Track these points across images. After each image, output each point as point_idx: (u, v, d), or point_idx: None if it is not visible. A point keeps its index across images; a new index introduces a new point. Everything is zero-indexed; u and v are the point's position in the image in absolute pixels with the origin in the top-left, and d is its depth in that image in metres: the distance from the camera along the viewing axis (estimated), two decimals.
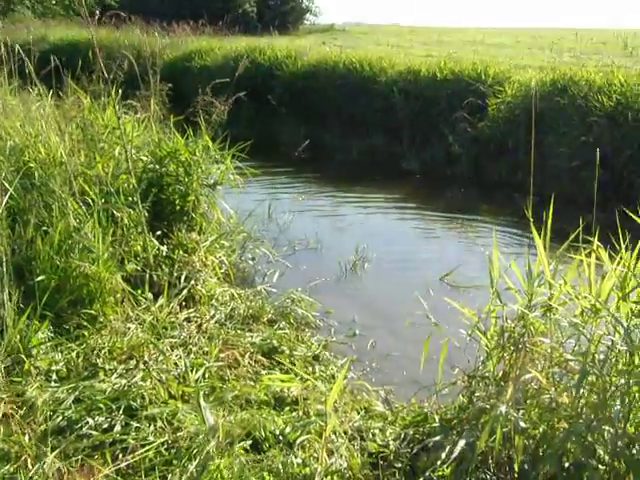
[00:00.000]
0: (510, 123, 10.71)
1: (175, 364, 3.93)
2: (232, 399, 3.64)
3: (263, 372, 4.18)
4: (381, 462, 3.26)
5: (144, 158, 5.57)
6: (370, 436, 3.48)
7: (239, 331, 4.70)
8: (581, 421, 2.72)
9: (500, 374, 3.40)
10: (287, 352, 4.48)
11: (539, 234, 3.32)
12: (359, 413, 3.77)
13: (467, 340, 3.62)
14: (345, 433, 3.37)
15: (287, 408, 3.65)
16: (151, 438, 3.20)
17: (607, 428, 2.66)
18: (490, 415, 2.83)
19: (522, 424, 2.75)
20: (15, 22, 26.15)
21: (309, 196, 9.66)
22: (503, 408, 2.73)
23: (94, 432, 3.19)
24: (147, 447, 3.10)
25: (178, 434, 3.23)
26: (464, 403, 3.51)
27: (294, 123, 13.63)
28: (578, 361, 2.82)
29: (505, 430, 2.85)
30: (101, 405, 3.35)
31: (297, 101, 13.83)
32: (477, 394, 3.41)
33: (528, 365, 3.23)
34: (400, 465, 3.28)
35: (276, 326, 4.94)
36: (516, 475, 2.98)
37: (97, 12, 5.74)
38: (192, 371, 3.83)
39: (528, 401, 3.11)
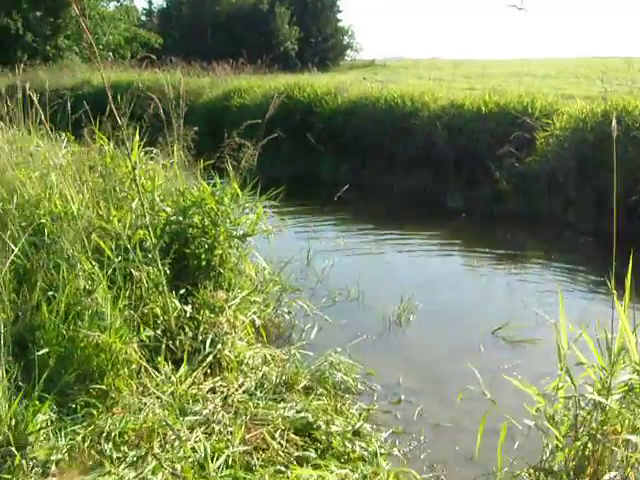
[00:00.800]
0: (559, 157, 10.16)
1: (193, 449, 3.43)
2: None
3: (296, 453, 3.67)
4: None
5: (167, 209, 5.13)
6: None
7: (270, 402, 4.18)
8: None
9: (572, 465, 2.85)
10: (323, 427, 3.94)
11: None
12: None
13: (531, 423, 3.09)
14: None
15: None
16: None
17: None
18: None
19: None
20: (62, 68, 26.63)
21: (350, 238, 9.17)
22: None
23: None
24: None
25: None
26: None
27: (333, 161, 13.25)
28: None
29: None
30: None
31: (336, 138, 13.43)
32: None
33: (607, 460, 2.69)
34: None
35: (312, 395, 4.40)
36: None
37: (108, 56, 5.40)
38: (212, 458, 3.34)
39: None
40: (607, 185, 8.94)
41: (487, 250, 8.71)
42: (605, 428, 2.71)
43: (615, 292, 2.75)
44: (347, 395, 4.63)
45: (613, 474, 2.55)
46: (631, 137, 9.36)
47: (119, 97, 5.58)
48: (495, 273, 7.91)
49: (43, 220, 4.51)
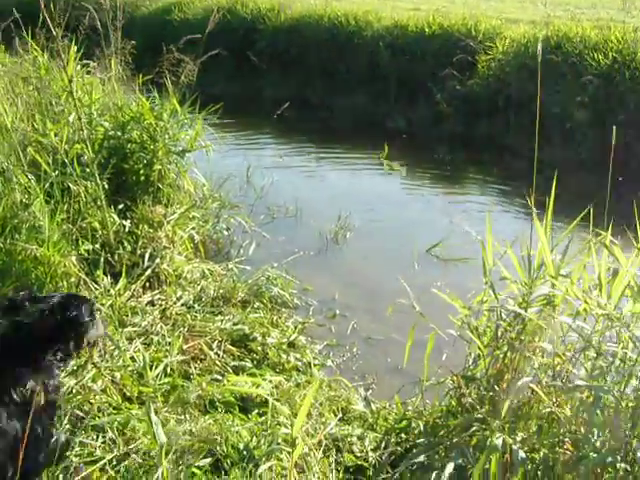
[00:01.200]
0: (500, 81, 10.27)
1: (132, 359, 3.53)
2: (195, 400, 3.26)
3: (233, 363, 3.81)
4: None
5: (105, 124, 5.09)
6: (347, 446, 3.10)
7: (208, 315, 4.30)
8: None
9: (492, 372, 3.04)
10: (259, 339, 4.09)
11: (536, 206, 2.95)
12: (336, 415, 3.40)
13: (456, 334, 3.26)
14: (319, 443, 3.00)
15: (255, 411, 3.28)
16: (98, 453, 2.82)
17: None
18: (484, 435, 2.45)
19: (522, 454, 2.36)
20: None
21: (290, 156, 9.20)
22: (500, 440, 2.34)
23: None
24: (93, 466, 2.72)
25: (130, 447, 2.85)
26: (452, 406, 3.15)
27: (276, 79, 13.09)
28: (589, 386, 2.42)
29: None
30: None
31: (279, 56, 13.24)
32: (467, 397, 3.05)
33: (523, 368, 2.88)
34: None
35: (249, 308, 4.54)
36: None
37: None
38: (151, 367, 3.45)
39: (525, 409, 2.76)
40: (545, 110, 9.12)
41: (426, 171, 8.85)
42: (523, 338, 2.89)
43: (535, 210, 2.88)
44: (283, 309, 4.78)
45: (528, 378, 2.73)
46: (570, 63, 9.48)
47: (52, 6, 5.41)
48: (433, 193, 8.06)
49: None
